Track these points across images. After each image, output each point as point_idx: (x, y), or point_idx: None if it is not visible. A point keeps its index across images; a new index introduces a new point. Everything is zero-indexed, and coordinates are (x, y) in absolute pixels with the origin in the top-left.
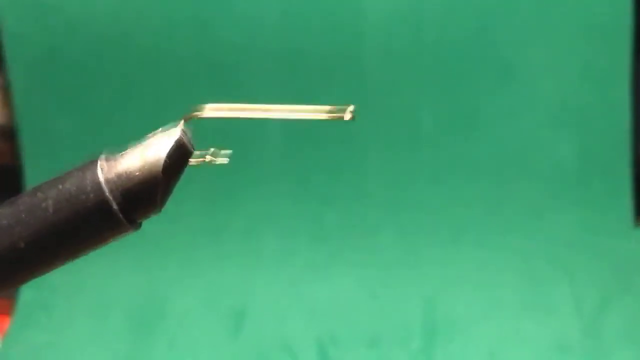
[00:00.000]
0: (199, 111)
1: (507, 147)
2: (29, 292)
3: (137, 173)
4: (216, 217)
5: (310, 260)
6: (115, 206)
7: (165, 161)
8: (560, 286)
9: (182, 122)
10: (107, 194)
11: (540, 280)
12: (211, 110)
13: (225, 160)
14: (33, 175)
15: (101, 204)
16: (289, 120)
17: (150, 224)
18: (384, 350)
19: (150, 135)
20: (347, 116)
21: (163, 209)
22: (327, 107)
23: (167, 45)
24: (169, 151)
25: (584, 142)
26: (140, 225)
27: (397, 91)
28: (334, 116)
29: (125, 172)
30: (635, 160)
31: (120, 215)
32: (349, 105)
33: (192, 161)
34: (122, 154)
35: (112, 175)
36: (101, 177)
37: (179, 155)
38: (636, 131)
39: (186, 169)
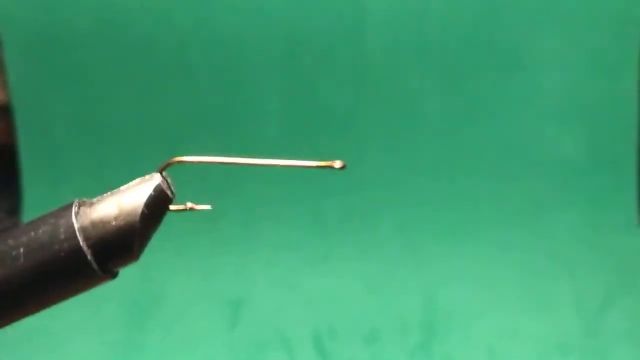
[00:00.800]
0: (179, 158)
1: (511, 141)
2: None
3: (113, 222)
4: (213, 207)
5: (308, 253)
6: (89, 256)
7: (142, 210)
8: (561, 283)
9: (162, 168)
10: (81, 243)
11: (541, 276)
12: (192, 157)
13: (207, 207)
14: (28, 153)
15: (75, 254)
16: (280, 167)
17: None
18: (382, 344)
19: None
20: (338, 164)
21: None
22: (316, 162)
23: (163, 28)
24: (147, 200)
25: (590, 137)
26: (117, 274)
27: (400, 83)
28: (324, 165)
29: (101, 221)
30: None
31: (95, 265)
32: (335, 160)
33: (173, 208)
34: (98, 200)
35: (87, 223)
36: (76, 225)
37: (158, 203)
38: None
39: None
